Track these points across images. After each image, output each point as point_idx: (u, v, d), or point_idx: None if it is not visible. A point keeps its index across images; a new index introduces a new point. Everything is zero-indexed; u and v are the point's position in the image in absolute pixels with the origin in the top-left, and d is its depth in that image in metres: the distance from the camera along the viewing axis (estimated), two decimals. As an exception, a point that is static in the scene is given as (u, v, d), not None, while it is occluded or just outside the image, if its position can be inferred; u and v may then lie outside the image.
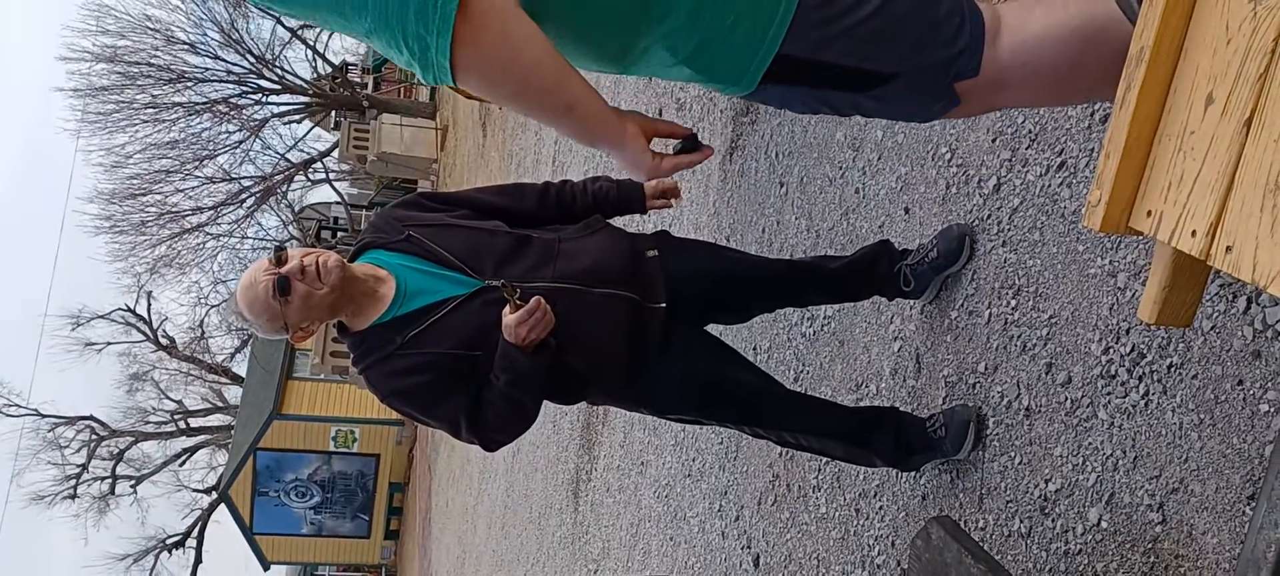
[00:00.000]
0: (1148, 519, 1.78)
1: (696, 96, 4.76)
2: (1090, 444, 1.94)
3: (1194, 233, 1.06)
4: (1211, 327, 1.70)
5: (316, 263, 2.01)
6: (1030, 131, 2.24)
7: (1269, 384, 1.58)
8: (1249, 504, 1.58)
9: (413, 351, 2.05)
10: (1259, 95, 0.99)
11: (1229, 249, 1.02)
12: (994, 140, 2.37)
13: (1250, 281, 0.99)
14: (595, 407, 6.03)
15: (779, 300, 2.50)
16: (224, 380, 30.10)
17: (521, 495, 8.30)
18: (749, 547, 3.47)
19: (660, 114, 5.37)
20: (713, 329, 2.45)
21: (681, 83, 5.02)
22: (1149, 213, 1.12)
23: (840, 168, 3.16)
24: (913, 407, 2.54)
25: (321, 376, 19.96)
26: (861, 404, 2.80)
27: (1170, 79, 1.10)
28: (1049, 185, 2.16)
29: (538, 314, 1.96)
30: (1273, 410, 1.57)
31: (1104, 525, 1.88)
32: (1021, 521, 2.10)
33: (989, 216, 2.36)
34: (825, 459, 2.95)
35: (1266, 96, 0.99)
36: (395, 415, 21.85)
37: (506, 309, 1.98)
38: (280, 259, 2.01)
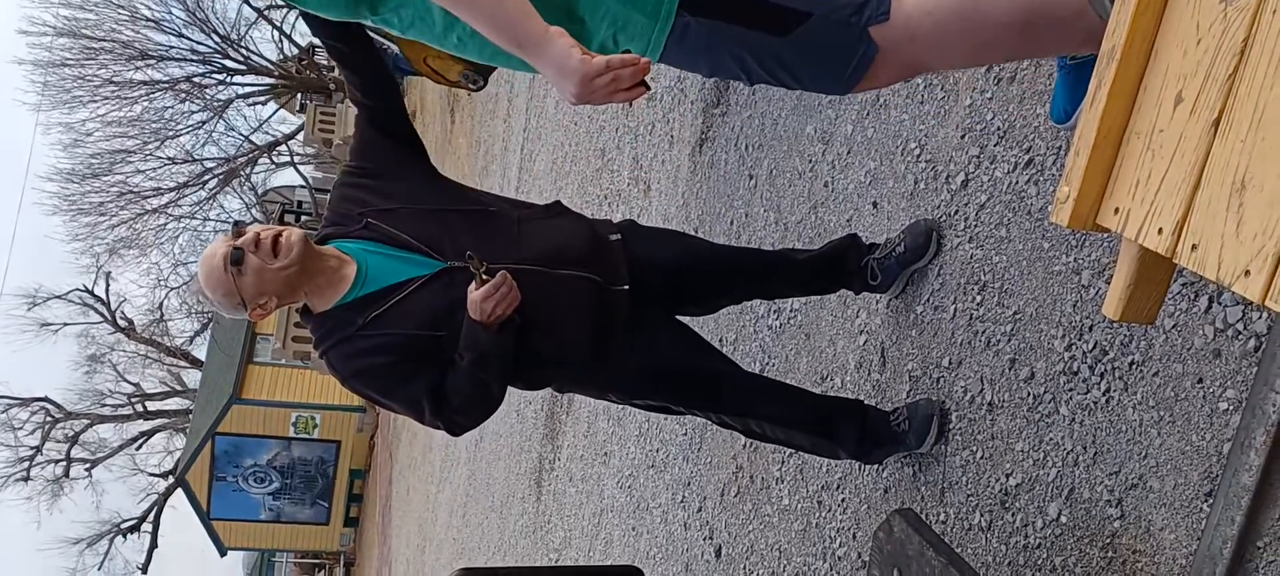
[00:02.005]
0: (1106, 514, 1.80)
1: (667, 87, 4.75)
2: (1051, 439, 1.96)
3: (1160, 230, 1.07)
4: (1173, 326, 1.72)
5: (275, 237, 1.98)
6: (999, 128, 2.26)
7: (1228, 382, 1.61)
8: (1207, 501, 1.60)
9: (374, 332, 2.02)
10: (1227, 95, 1.00)
11: (1195, 247, 1.03)
12: (962, 136, 2.39)
13: (1215, 280, 1.00)
14: (560, 396, 6.01)
15: (745, 291, 2.50)
16: (183, 364, 29.68)
17: (484, 483, 8.27)
18: (711, 538, 3.48)
19: (630, 103, 5.35)
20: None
21: (652, 75, 5.01)
22: (1116, 210, 1.13)
23: (810, 161, 3.16)
24: (877, 401, 2.55)
25: (283, 361, 19.75)
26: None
27: (1140, 77, 1.11)
28: (1016, 182, 2.17)
29: (503, 289, 1.95)
30: (1232, 408, 1.59)
31: (1063, 519, 1.90)
32: (982, 515, 2.12)
33: (956, 212, 2.37)
34: (789, 451, 2.96)
35: (1235, 97, 0.99)
36: (357, 401, 21.68)
37: (472, 285, 1.96)
38: (238, 232, 1.99)
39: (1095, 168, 1.13)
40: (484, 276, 1.94)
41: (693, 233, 3.97)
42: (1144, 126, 1.09)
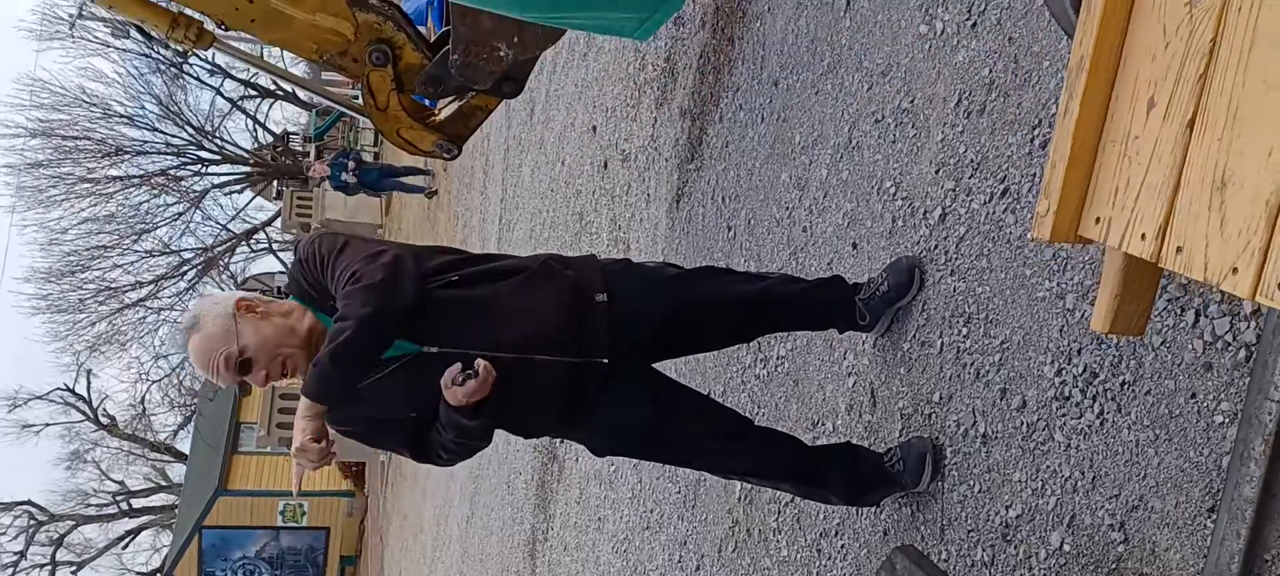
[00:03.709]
0: (1109, 538, 1.76)
1: (642, 147, 4.78)
2: (1048, 467, 1.93)
3: (1144, 236, 1.06)
4: (1161, 343, 1.71)
5: (283, 365, 2.03)
6: (972, 160, 2.27)
7: (1222, 395, 1.59)
8: (1210, 516, 1.58)
9: (349, 410, 2.09)
10: (1200, 95, 1.00)
11: (1179, 249, 1.02)
12: (937, 171, 2.39)
13: (1202, 280, 0.99)
14: (551, 464, 5.95)
15: (730, 340, 2.49)
16: (167, 458, 29.26)
17: (476, 559, 8.11)
18: (711, 597, 3.40)
19: (605, 166, 5.38)
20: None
21: (626, 136, 5.03)
22: (1097, 219, 1.12)
23: (787, 208, 3.16)
24: (870, 442, 2.52)
25: (268, 449, 19.48)
26: (817, 442, 2.77)
27: (1111, 85, 1.10)
28: (994, 212, 2.17)
29: (482, 380, 1.95)
30: (1227, 421, 1.57)
31: (1066, 548, 1.86)
32: (984, 550, 2.08)
33: (936, 247, 2.37)
34: (786, 498, 2.91)
35: (1207, 96, 0.99)
36: (346, 485, 21.31)
37: (447, 377, 1.95)
38: (244, 365, 2.03)
39: (1073, 179, 1.12)
40: (467, 374, 1.96)
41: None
42: (1118, 133, 1.09)
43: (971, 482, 2.14)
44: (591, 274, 2.20)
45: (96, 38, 23.54)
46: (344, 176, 12.31)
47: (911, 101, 2.54)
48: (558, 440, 5.80)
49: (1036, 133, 2.07)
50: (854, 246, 2.73)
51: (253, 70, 24.67)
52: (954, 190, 2.32)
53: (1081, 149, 1.12)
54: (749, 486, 3.16)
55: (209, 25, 3.52)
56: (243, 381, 2.00)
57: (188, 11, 3.49)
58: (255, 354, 1.99)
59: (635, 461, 4.34)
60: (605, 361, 2.12)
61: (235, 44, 4.55)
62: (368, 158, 24.05)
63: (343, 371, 1.91)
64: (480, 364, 1.95)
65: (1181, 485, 1.64)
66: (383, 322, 1.93)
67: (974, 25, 2.33)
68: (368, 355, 1.94)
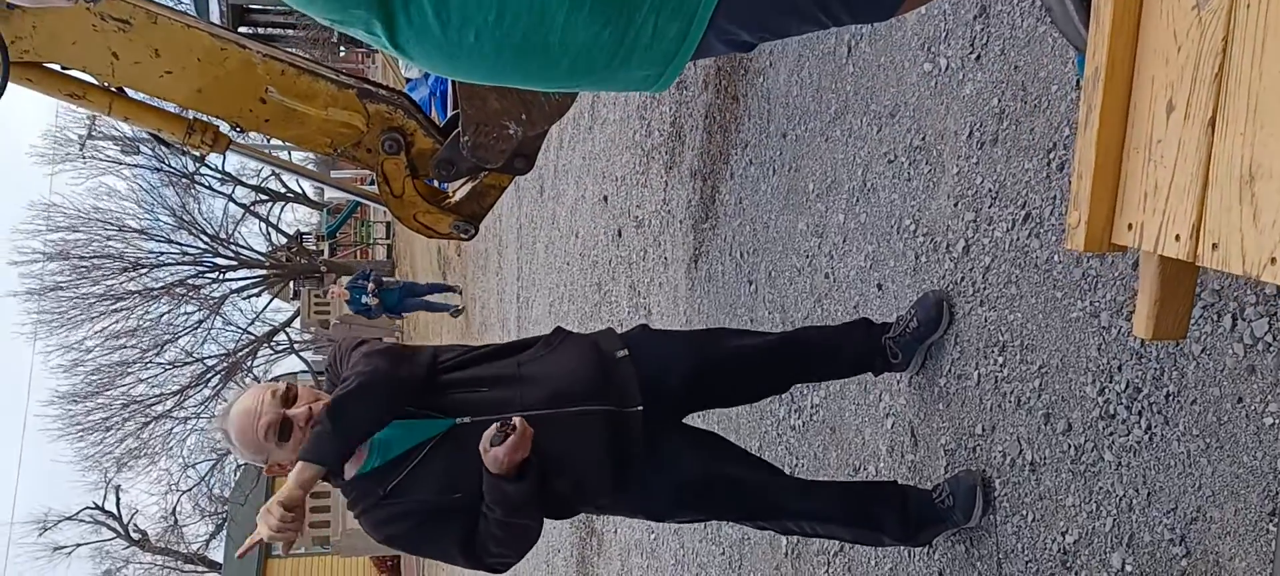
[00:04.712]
0: (1171, 554, 1.73)
1: (655, 212, 4.82)
2: (1101, 488, 1.90)
3: (1178, 237, 1.06)
4: (1202, 350, 1.70)
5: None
6: (990, 190, 2.28)
7: (1268, 396, 1.57)
8: (1271, 520, 1.55)
9: (396, 500, 2.05)
10: (1218, 94, 1.01)
11: (1215, 246, 1.02)
12: (955, 204, 2.40)
13: (1242, 273, 0.99)
14: (589, 538, 5.89)
15: (767, 388, 2.48)
16: (201, 568, 29.09)
17: (521, 643, 8.00)
18: (765, 657, 3.34)
19: (619, 234, 5.42)
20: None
21: (638, 203, 5.08)
22: (1130, 226, 1.12)
23: (807, 256, 3.18)
24: (916, 482, 2.49)
25: (302, 550, 19.36)
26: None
27: (1128, 93, 1.12)
28: (1017, 238, 2.18)
29: (520, 434, 1.94)
30: (1277, 422, 1.55)
31: (1128, 569, 1.83)
32: (1042, 580, 2.05)
33: (962, 279, 2.37)
34: (834, 550, 2.88)
35: (1225, 94, 1.00)
36: (383, 581, 21.06)
37: (485, 441, 1.94)
38: (289, 398, 1.99)
39: (1101, 188, 1.13)
40: (508, 429, 1.95)
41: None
42: (1141, 139, 1.10)
43: (1024, 512, 2.11)
44: (609, 336, 2.27)
45: (106, 156, 24.04)
46: (364, 299, 11.95)
47: (923, 138, 2.57)
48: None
49: (1052, 156, 2.09)
50: (879, 287, 2.73)
51: (263, 174, 25.09)
52: (975, 221, 2.33)
53: (1106, 158, 1.13)
54: (796, 540, 3.12)
55: (224, 128, 3.60)
56: (286, 417, 1.97)
57: (202, 117, 3.56)
58: (297, 389, 2.04)
59: (676, 527, 4.30)
60: (641, 409, 2.13)
61: (251, 145, 4.65)
62: (381, 253, 24.20)
63: (340, 428, 1.92)
64: (516, 419, 1.94)
65: (1238, 492, 1.62)
66: (388, 381, 1.98)
67: (978, 57, 2.36)
68: (367, 409, 1.95)
